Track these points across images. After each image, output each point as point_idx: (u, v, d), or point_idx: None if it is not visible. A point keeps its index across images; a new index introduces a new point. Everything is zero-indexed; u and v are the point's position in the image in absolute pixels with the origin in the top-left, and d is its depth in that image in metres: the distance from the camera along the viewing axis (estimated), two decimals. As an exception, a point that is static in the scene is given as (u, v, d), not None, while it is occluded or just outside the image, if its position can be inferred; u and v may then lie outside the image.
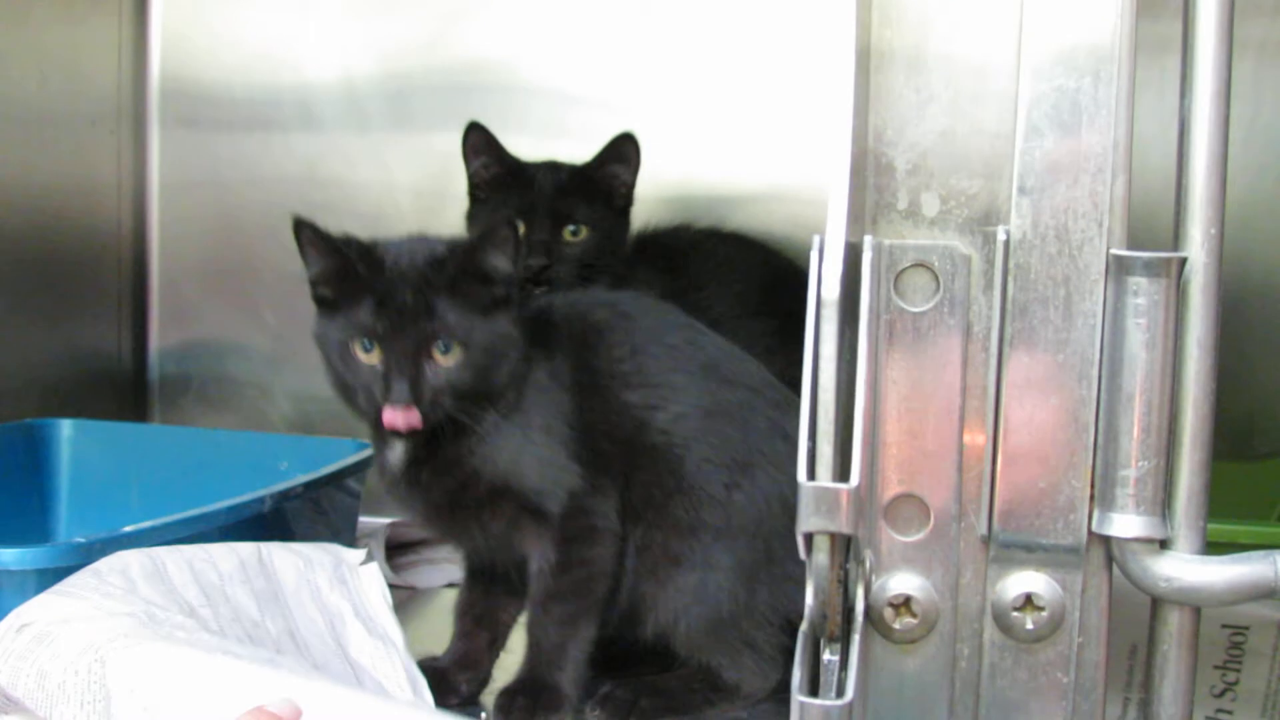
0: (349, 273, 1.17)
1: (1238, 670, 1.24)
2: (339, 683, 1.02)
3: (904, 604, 0.88)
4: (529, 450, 1.20)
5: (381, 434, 1.21)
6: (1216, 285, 0.83)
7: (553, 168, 1.58)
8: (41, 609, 1.04)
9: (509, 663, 1.28)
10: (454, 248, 1.19)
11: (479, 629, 1.29)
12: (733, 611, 1.22)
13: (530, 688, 1.20)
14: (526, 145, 1.58)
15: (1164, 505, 0.84)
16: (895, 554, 0.88)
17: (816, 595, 0.81)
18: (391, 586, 1.27)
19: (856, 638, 0.83)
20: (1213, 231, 0.83)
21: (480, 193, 1.59)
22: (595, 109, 1.81)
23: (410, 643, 1.20)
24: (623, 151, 1.56)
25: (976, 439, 0.86)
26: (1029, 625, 0.87)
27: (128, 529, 1.20)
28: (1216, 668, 1.24)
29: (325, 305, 1.20)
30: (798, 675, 0.80)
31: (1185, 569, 0.84)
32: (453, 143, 1.60)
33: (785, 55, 1.75)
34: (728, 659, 1.23)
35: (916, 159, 0.85)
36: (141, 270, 1.95)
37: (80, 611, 1.02)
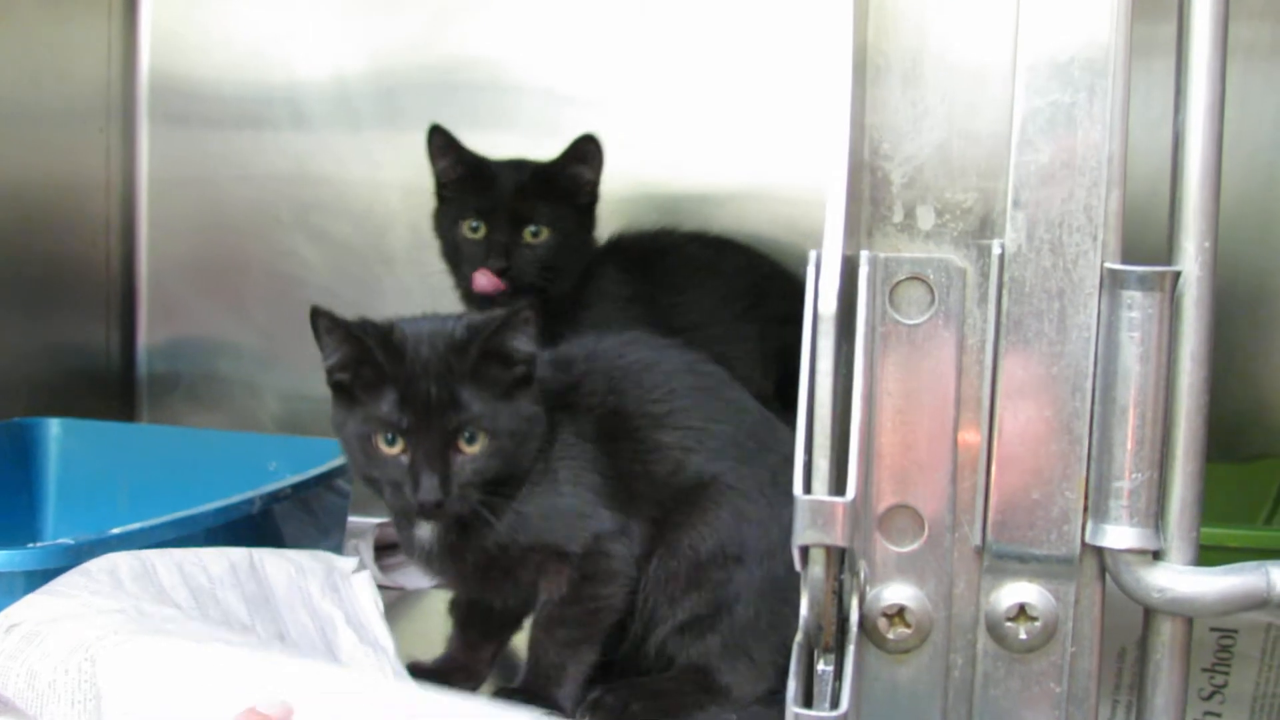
0: (367, 359, 1.16)
1: (1226, 673, 1.25)
2: (331, 666, 1.02)
3: (898, 614, 0.88)
4: (559, 506, 1.20)
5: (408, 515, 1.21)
6: (1210, 299, 0.84)
7: (516, 166, 1.58)
8: (30, 609, 1.03)
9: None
10: (474, 330, 1.17)
11: (483, 642, 1.30)
12: (742, 628, 1.23)
13: (528, 698, 1.20)
14: (517, 144, 1.58)
15: (1157, 517, 0.85)
16: (889, 564, 0.88)
17: (811, 607, 0.82)
18: (380, 587, 1.27)
19: (851, 648, 0.83)
20: (1206, 245, 0.83)
21: (446, 192, 1.59)
22: (585, 108, 1.81)
23: (399, 644, 1.20)
24: (585, 152, 1.56)
25: (970, 450, 0.86)
26: (1022, 635, 0.87)
27: (116, 530, 1.20)
28: (1205, 670, 1.25)
29: (343, 392, 1.18)
30: (792, 687, 0.80)
31: (1178, 580, 0.85)
32: (444, 141, 1.60)
33: (773, 56, 1.75)
34: (725, 664, 1.23)
35: (912, 172, 0.85)
36: (130, 268, 1.95)
37: (69, 610, 1.02)
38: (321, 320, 1.16)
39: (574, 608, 1.21)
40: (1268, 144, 1.65)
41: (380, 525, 1.66)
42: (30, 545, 1.20)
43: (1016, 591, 0.87)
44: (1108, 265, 0.83)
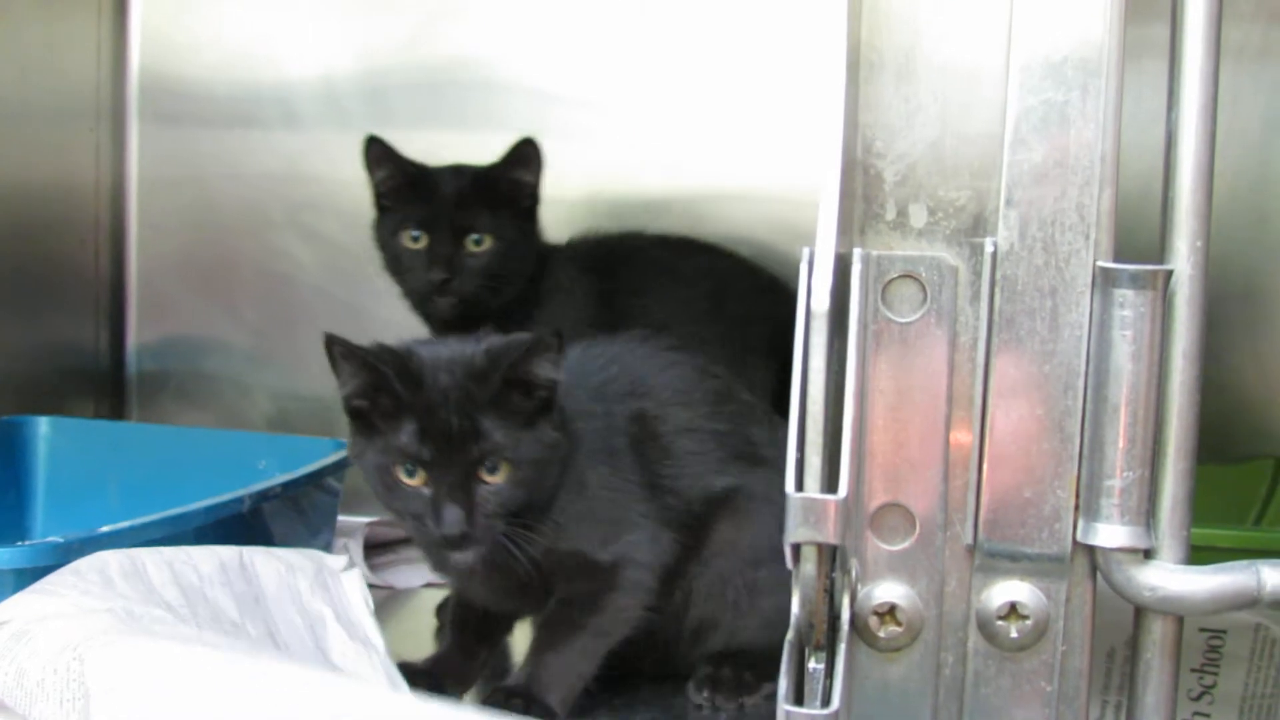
0: (384, 387, 1.12)
1: (1215, 674, 1.25)
2: (318, 670, 1.01)
3: (889, 612, 0.88)
4: (593, 516, 1.19)
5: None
6: (1202, 297, 0.84)
7: (455, 173, 1.56)
8: (19, 607, 1.03)
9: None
10: (495, 357, 1.14)
11: (477, 644, 1.28)
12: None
13: (524, 697, 1.18)
14: (507, 143, 1.58)
15: (1148, 515, 0.85)
16: (880, 563, 0.88)
17: (803, 605, 0.82)
18: (370, 586, 1.27)
19: (842, 646, 0.84)
20: (1198, 244, 0.84)
21: (385, 202, 1.58)
22: (575, 107, 1.81)
23: (389, 642, 1.20)
24: (525, 155, 1.54)
25: (962, 449, 0.86)
26: (1013, 634, 0.87)
27: (105, 529, 1.19)
28: (1194, 671, 1.25)
29: (360, 420, 1.15)
30: (784, 685, 0.80)
31: (1169, 578, 0.85)
32: (433, 141, 1.60)
33: (764, 56, 1.76)
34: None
35: (905, 170, 0.86)
36: (120, 267, 1.94)
37: (59, 609, 1.02)
38: (336, 347, 1.12)
39: (589, 616, 1.19)
40: (1257, 145, 1.65)
41: (370, 524, 1.65)
42: (20, 543, 1.20)
43: (1007, 590, 0.87)
44: (1100, 264, 0.84)
